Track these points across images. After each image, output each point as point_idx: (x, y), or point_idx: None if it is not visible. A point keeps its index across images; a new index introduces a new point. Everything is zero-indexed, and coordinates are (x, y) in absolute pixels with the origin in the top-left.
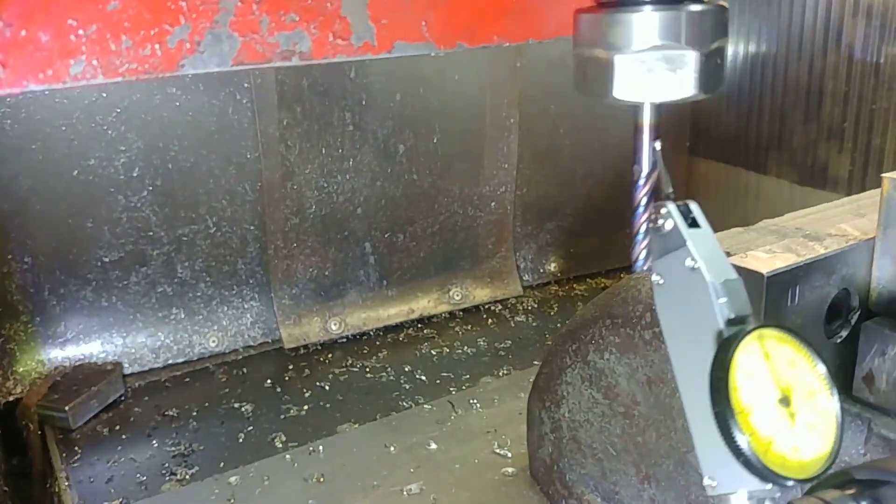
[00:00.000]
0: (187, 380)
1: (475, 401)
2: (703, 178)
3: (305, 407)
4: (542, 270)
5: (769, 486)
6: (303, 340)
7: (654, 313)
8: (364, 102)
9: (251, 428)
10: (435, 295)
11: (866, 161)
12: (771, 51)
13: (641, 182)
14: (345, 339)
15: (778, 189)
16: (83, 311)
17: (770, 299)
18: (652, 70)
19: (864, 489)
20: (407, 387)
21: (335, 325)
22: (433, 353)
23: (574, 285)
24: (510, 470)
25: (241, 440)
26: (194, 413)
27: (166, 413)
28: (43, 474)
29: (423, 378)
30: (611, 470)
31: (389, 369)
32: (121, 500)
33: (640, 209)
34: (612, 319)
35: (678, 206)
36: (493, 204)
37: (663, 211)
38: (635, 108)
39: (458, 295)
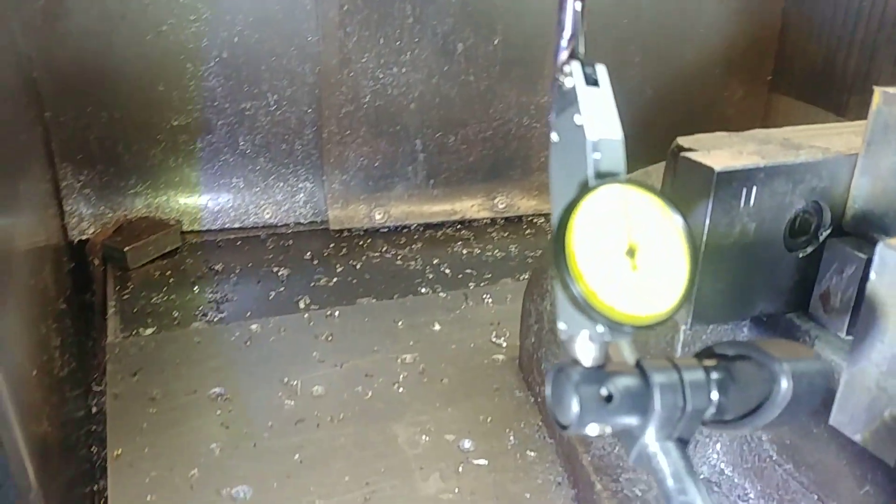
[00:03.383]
0: (238, 243)
1: (488, 296)
2: (783, 116)
3: (334, 279)
4: None
5: (605, 330)
6: (347, 224)
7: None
8: None
9: (282, 289)
10: (479, 200)
11: None
12: None
13: (562, 44)
14: (386, 230)
15: None
16: (152, 168)
17: (719, 197)
18: None
19: (719, 362)
20: (430, 276)
21: (379, 214)
22: (464, 252)
23: None
24: (500, 357)
25: (270, 298)
26: (237, 270)
27: (213, 267)
28: (103, 306)
29: (448, 271)
30: None
31: (419, 259)
32: (154, 329)
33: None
34: None
35: (583, 66)
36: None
37: (566, 69)
38: None
39: (502, 203)
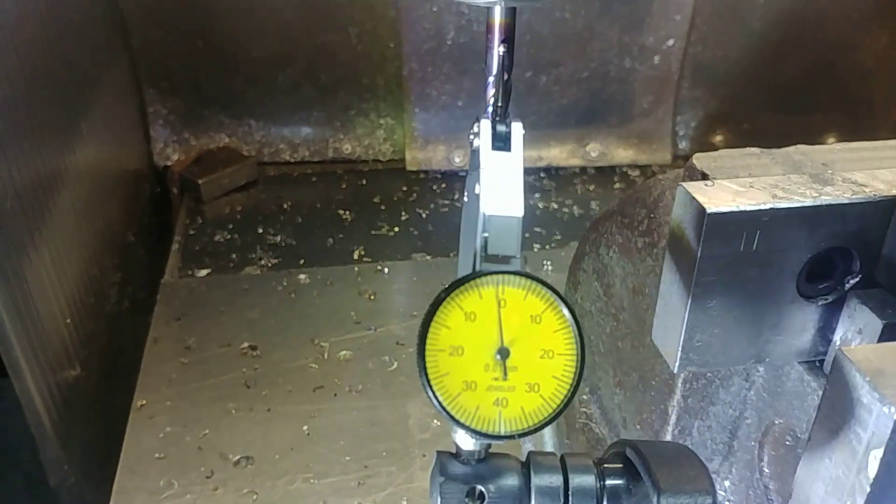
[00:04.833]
0: (314, 179)
1: (548, 263)
2: None
3: (396, 229)
4: (703, 140)
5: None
6: (424, 166)
7: (652, 219)
8: None
9: (341, 236)
10: (570, 146)
11: None
12: None
13: (489, 87)
14: (464, 174)
15: None
16: (232, 99)
17: (711, 239)
18: None
19: (626, 468)
20: None
21: (458, 157)
22: (540, 205)
23: None
24: None
25: (328, 245)
26: (304, 211)
27: (283, 205)
28: None
29: None
30: (598, 365)
31: None
32: (209, 270)
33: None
34: (622, 218)
35: (495, 124)
36: (656, 58)
37: (475, 128)
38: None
39: (595, 151)
